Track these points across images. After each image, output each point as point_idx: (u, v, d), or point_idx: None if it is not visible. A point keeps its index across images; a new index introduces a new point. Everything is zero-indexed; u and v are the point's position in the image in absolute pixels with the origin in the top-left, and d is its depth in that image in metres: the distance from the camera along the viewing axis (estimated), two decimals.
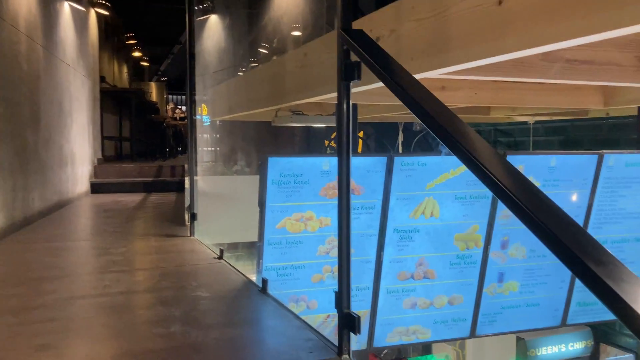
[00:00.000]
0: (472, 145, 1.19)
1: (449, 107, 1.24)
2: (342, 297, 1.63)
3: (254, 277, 2.70)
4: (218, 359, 1.60)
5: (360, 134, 6.42)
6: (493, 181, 1.09)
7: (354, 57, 1.53)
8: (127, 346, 1.64)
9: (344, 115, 1.59)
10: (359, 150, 6.29)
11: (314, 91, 2.16)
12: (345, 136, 1.61)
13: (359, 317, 1.58)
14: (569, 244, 0.91)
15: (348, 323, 1.60)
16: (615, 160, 3.15)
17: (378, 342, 2.98)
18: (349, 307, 1.62)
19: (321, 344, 1.70)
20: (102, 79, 8.07)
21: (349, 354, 1.61)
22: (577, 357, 4.51)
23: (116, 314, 1.95)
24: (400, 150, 5.28)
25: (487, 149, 1.21)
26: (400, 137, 4.76)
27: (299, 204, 2.63)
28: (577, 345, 4.50)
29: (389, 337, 2.99)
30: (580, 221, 3.15)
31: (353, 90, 1.91)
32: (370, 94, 2.17)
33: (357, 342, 2.96)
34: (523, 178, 1.10)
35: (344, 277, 1.65)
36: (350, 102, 1.59)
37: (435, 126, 1.27)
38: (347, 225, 1.64)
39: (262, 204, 2.56)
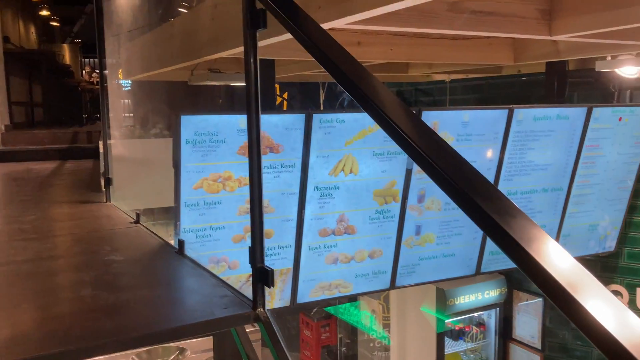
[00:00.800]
0: (376, 95, 1.19)
1: (366, 64, 1.22)
2: (255, 252, 1.63)
3: (172, 241, 2.64)
4: (129, 321, 1.56)
5: (285, 95, 6.36)
6: (395, 129, 1.10)
7: (260, 5, 1.48)
8: (31, 314, 1.56)
9: (252, 68, 1.55)
10: None
11: (225, 44, 2.09)
12: (254, 90, 1.57)
13: (272, 271, 1.58)
14: (468, 190, 0.93)
15: (262, 277, 1.60)
16: (525, 114, 3.29)
17: (301, 299, 3.02)
18: (262, 261, 1.62)
19: (236, 300, 1.69)
20: (6, 39, 7.50)
21: (263, 307, 1.61)
22: (492, 303, 4.79)
23: (21, 282, 1.85)
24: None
25: (394, 101, 1.21)
26: (322, 96, 4.75)
27: (216, 164, 2.57)
28: (492, 293, 4.77)
29: (311, 292, 3.04)
30: (492, 174, 3.30)
31: (263, 42, 1.85)
32: (281, 47, 2.12)
33: (281, 299, 2.99)
34: (429, 130, 1.12)
35: (257, 232, 1.64)
36: (258, 54, 1.54)
37: (340, 75, 1.25)
38: (259, 182, 1.62)
39: (176, 164, 2.49)
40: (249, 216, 2.75)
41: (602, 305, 0.75)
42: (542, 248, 0.85)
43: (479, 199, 0.93)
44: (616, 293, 4.30)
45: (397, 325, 5.10)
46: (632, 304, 4.25)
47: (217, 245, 2.70)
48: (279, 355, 1.54)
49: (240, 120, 2.58)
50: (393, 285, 3.30)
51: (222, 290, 1.78)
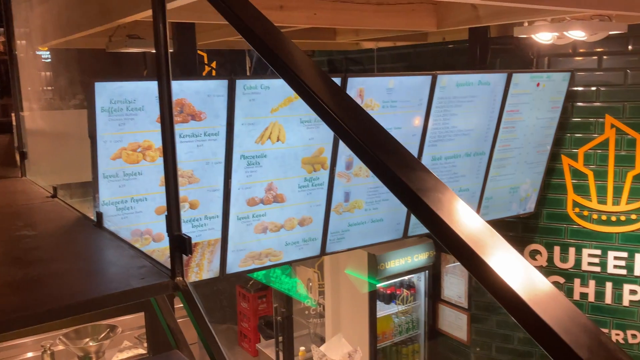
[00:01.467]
0: (292, 61, 1.17)
1: (290, 29, 1.19)
2: (172, 220, 1.58)
3: (92, 215, 2.54)
4: (40, 295, 1.49)
5: (213, 65, 6.20)
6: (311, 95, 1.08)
7: None
8: None
9: (160, 30, 1.48)
10: None
11: (137, 7, 1.98)
12: (164, 54, 1.50)
13: (189, 239, 1.55)
14: (378, 151, 0.93)
15: (179, 245, 1.56)
16: (448, 80, 3.35)
17: (231, 269, 3.00)
18: (179, 229, 1.58)
19: (155, 270, 1.65)
20: None
21: (182, 276, 1.58)
22: (422, 266, 4.94)
23: None
24: None
25: (310, 66, 1.19)
26: (248, 63, 4.66)
27: (135, 133, 2.48)
28: (421, 257, 4.92)
29: (241, 262, 3.02)
30: (417, 140, 3.36)
31: (173, 4, 1.78)
32: (202, 10, 2.04)
33: (209, 270, 2.96)
34: (342, 94, 1.11)
35: (172, 200, 1.59)
36: (167, 16, 1.47)
37: (249, 34, 1.22)
38: (172, 150, 1.57)
39: (92, 134, 2.38)
40: None
41: (504, 261, 0.77)
42: (445, 205, 0.87)
43: (386, 158, 0.93)
44: (536, 252, 4.55)
45: (331, 292, 5.18)
46: (550, 262, 4.50)
47: (139, 218, 2.62)
48: (199, 323, 1.52)
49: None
50: (323, 251, 3.33)
51: (141, 261, 1.73)
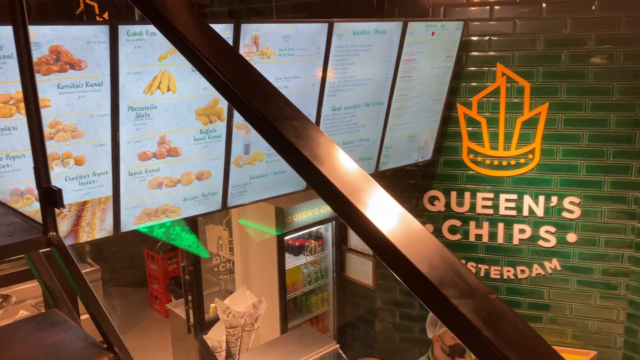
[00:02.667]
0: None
1: None
2: (40, 172, 1.47)
3: None
4: None
5: (105, 16, 5.79)
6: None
7: None
8: None
9: None
10: None
11: None
12: None
13: (60, 190, 1.44)
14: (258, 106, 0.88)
15: (49, 198, 1.46)
16: (345, 28, 3.33)
17: (125, 227, 2.88)
18: (48, 181, 1.47)
19: (26, 226, 1.54)
20: None
21: (55, 231, 1.48)
22: (328, 217, 5.02)
23: None
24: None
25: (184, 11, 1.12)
26: (137, 13, 4.39)
27: (5, 83, 2.26)
28: (328, 208, 4.99)
29: (136, 220, 2.90)
30: (316, 89, 3.33)
31: None
32: None
33: (102, 229, 2.82)
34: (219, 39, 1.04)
35: (38, 150, 1.48)
36: None
37: None
38: (35, 98, 1.44)
39: None
40: (53, 142, 2.50)
41: (376, 206, 0.75)
42: (314, 147, 0.84)
43: (243, 87, 0.89)
44: (434, 198, 4.74)
45: (239, 248, 5.15)
46: (447, 207, 4.72)
47: (18, 176, 2.42)
48: (75, 279, 1.43)
49: (31, 33, 2.26)
50: (225, 206, 3.27)
51: (10, 218, 1.61)
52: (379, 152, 3.95)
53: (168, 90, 2.75)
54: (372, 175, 4.11)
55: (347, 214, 0.73)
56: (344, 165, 0.80)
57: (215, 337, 3.03)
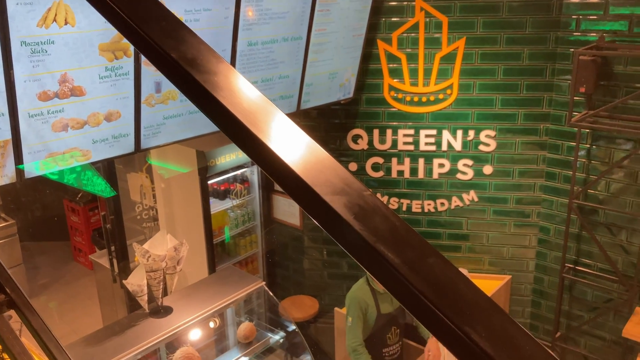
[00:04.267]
0: None
1: None
2: None
3: None
4: None
5: None
6: None
7: None
8: None
9: None
10: None
11: None
12: None
13: None
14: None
15: None
16: None
17: (30, 172, 2.70)
18: None
19: None
20: None
21: None
22: (249, 160, 4.96)
23: None
24: None
25: None
26: None
27: None
28: None
29: (42, 165, 2.73)
30: (230, 23, 3.19)
31: None
32: None
33: (4, 176, 2.64)
34: None
35: None
36: None
37: None
38: None
39: None
40: None
41: (279, 137, 0.70)
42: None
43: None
44: (358, 136, 4.77)
45: (162, 194, 5.02)
46: (370, 145, 4.76)
47: None
48: None
49: None
50: (138, 148, 3.14)
51: None
52: (300, 90, 3.89)
53: (66, 23, 2.54)
54: (294, 114, 4.06)
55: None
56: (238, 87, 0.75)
57: (136, 281, 2.96)
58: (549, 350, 0.57)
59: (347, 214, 0.60)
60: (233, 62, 3.31)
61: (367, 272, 3.37)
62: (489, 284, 4.80)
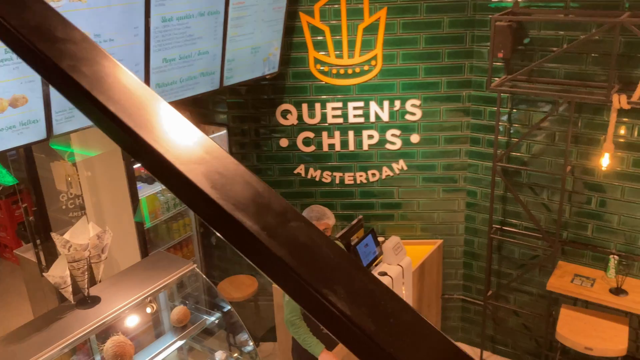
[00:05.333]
0: None
1: None
2: None
3: None
4: None
5: None
6: None
7: None
8: None
9: None
10: None
11: None
12: None
13: None
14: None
15: None
16: None
17: None
18: None
19: None
20: None
21: None
22: None
23: None
24: None
25: None
26: None
27: None
28: None
29: None
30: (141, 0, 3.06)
31: None
32: None
33: None
34: None
35: None
36: None
37: None
38: None
39: None
40: None
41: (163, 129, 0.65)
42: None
43: None
44: (287, 112, 4.73)
45: (87, 182, 4.83)
46: (300, 119, 4.74)
47: None
48: None
49: None
50: (51, 134, 2.98)
51: None
52: (222, 66, 3.80)
53: None
54: (218, 90, 3.97)
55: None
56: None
57: (57, 273, 2.84)
58: (408, 303, 0.57)
59: (204, 183, 0.57)
60: (147, 40, 3.18)
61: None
62: (422, 249, 4.93)
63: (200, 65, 3.63)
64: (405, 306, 0.57)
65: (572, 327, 4.24)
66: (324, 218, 3.61)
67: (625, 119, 4.04)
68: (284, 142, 4.81)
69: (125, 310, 3.12)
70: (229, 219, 0.56)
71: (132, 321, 3.33)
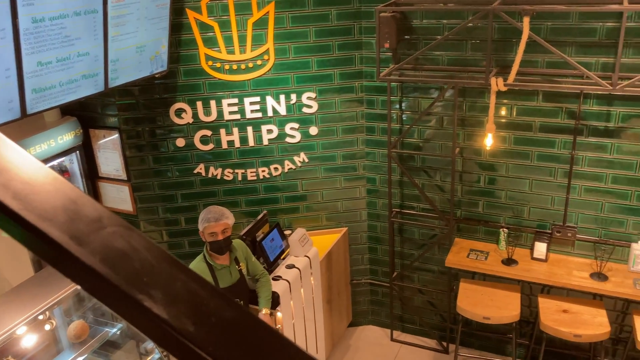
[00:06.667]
0: None
1: None
2: None
3: None
4: None
5: None
6: None
7: None
8: None
9: None
10: None
11: None
12: None
13: None
14: None
15: None
16: None
17: None
18: None
19: None
20: None
21: None
22: (70, 147, 4.58)
23: None
24: None
25: None
26: None
27: None
28: (67, 137, 4.53)
29: None
30: None
31: None
32: None
33: None
34: None
35: None
36: None
37: None
38: None
39: None
40: None
41: None
42: None
43: None
44: (181, 110, 4.61)
45: None
46: (195, 118, 4.64)
47: None
48: None
49: None
50: None
51: None
52: (105, 67, 3.63)
53: None
54: (104, 93, 3.80)
55: None
56: None
57: None
58: (235, 300, 0.58)
59: (3, 194, 0.54)
60: (17, 43, 2.98)
61: (205, 248, 3.31)
62: (329, 238, 5.02)
63: (81, 68, 3.45)
64: (230, 303, 0.57)
65: (470, 300, 4.49)
66: (222, 218, 3.57)
67: (505, 101, 4.31)
68: (180, 142, 4.70)
69: (15, 331, 2.93)
70: (33, 231, 0.53)
71: (26, 342, 3.13)
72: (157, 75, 4.25)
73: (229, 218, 3.61)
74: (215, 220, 3.54)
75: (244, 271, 3.80)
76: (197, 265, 3.62)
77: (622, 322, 4.53)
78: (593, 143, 4.17)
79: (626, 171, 4.14)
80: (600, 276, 4.19)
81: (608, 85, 3.66)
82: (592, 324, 4.13)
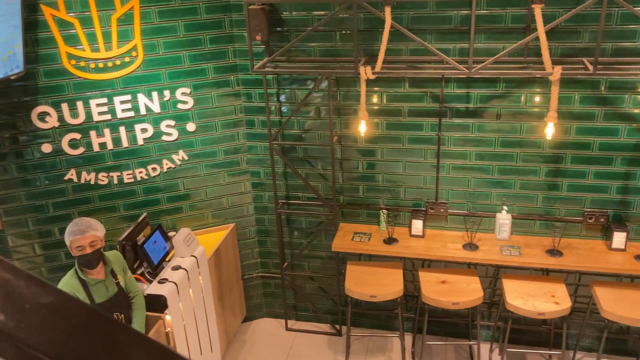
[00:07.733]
0: None
1: None
2: None
3: None
4: None
5: None
6: None
7: None
8: None
9: None
10: None
11: None
12: None
13: None
14: None
15: None
16: None
17: None
18: None
19: None
20: None
21: None
22: None
23: None
24: None
25: None
26: None
27: None
28: None
29: None
30: None
31: None
32: None
33: None
34: None
35: None
36: None
37: None
38: None
39: None
40: None
41: None
42: None
43: None
44: (45, 114, 4.31)
45: None
46: (62, 121, 4.36)
47: None
48: None
49: None
50: None
51: None
52: None
53: None
54: None
55: None
56: None
57: None
58: (53, 285, 0.56)
59: None
60: None
61: (76, 263, 3.12)
62: (216, 236, 4.96)
63: None
64: (48, 289, 0.56)
65: (357, 281, 4.66)
66: (89, 230, 3.36)
67: (375, 88, 4.50)
68: (46, 148, 4.40)
69: None
70: None
71: None
72: (12, 77, 3.94)
73: (97, 230, 3.41)
74: (81, 233, 3.33)
75: (122, 284, 3.63)
76: (68, 281, 3.38)
77: (494, 287, 4.94)
78: (456, 124, 4.49)
79: (487, 148, 4.50)
80: (471, 246, 4.53)
81: (464, 69, 3.95)
82: (468, 291, 4.46)
